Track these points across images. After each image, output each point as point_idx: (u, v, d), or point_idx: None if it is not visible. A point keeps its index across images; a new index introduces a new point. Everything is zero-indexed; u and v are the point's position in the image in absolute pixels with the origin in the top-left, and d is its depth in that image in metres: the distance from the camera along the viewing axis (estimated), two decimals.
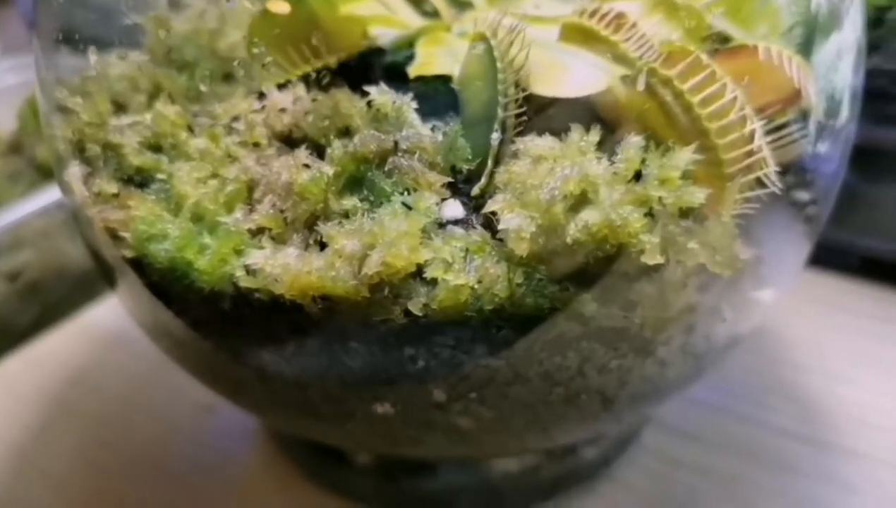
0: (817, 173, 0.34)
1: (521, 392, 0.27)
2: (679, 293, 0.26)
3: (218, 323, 0.27)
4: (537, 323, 0.25)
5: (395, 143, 0.28)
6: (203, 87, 0.34)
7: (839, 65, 0.33)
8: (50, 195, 0.49)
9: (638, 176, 0.26)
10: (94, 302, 0.52)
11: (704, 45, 0.33)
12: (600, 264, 0.26)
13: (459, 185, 0.29)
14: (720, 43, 0.34)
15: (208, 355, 0.29)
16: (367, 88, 0.29)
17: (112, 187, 0.30)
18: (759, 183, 0.30)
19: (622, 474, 0.42)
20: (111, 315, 0.53)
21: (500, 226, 0.25)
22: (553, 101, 0.30)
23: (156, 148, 0.31)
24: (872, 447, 0.42)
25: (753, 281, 0.32)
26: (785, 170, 0.34)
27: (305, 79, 0.34)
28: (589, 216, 0.24)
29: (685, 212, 0.27)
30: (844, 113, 0.34)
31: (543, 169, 0.25)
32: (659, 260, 0.25)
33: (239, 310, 0.26)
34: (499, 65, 0.28)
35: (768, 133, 0.33)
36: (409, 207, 0.25)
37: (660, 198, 0.26)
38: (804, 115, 0.33)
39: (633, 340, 0.27)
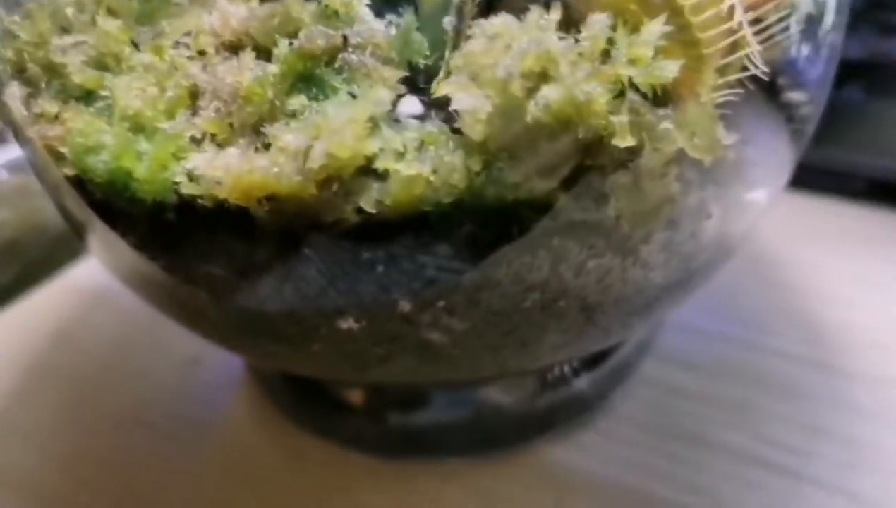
0: (803, 74, 0.32)
1: (493, 298, 0.25)
2: (657, 182, 0.24)
3: (164, 239, 0.26)
4: (501, 218, 0.23)
5: (345, 38, 0.26)
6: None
7: None
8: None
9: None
10: (75, 260, 0.51)
11: None
12: (568, 151, 0.24)
13: (421, 85, 0.27)
14: None
15: (161, 278, 0.28)
16: None
17: (54, 107, 0.28)
18: (742, 69, 0.28)
19: (621, 406, 0.40)
20: (93, 272, 0.52)
21: (451, 107, 0.23)
22: None
23: (101, 67, 0.29)
24: (881, 368, 0.40)
25: (739, 176, 0.30)
26: (770, 66, 0.32)
27: None
28: (550, 92, 0.22)
29: (661, 98, 0.25)
30: (830, 16, 0.32)
31: (499, 46, 0.23)
32: (630, 141, 0.23)
33: (184, 221, 0.25)
34: None
35: (752, 22, 0.31)
36: (355, 97, 0.24)
37: (629, 78, 0.24)
38: (790, 8, 0.31)
39: (610, 236, 0.25)
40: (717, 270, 0.31)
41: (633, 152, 0.24)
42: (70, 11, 0.32)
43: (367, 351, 0.27)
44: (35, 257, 0.48)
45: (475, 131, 0.22)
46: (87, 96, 0.29)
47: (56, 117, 0.27)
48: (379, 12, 0.30)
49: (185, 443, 0.41)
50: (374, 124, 0.23)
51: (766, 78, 0.27)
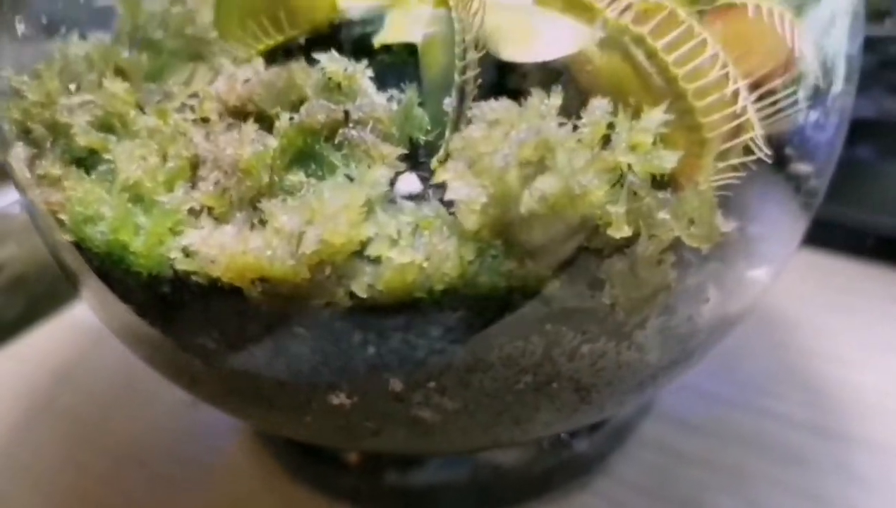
0: (811, 144, 0.32)
1: (484, 379, 0.25)
2: (653, 270, 0.24)
3: (160, 309, 0.26)
4: (494, 304, 0.23)
5: (346, 113, 0.26)
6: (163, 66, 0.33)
7: (832, 30, 0.31)
8: None
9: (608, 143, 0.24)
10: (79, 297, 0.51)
11: (693, 6, 0.31)
12: (564, 238, 0.24)
13: (421, 158, 0.27)
14: (709, 2, 0.32)
15: (158, 343, 0.28)
16: (317, 56, 0.27)
17: (57, 169, 0.28)
18: (746, 150, 0.27)
19: (620, 468, 0.39)
20: None
21: (446, 197, 0.22)
22: (527, 70, 0.28)
23: (107, 127, 0.30)
24: (885, 435, 0.40)
25: (742, 257, 0.30)
26: (776, 140, 0.31)
27: (271, 54, 0.33)
28: (545, 184, 0.22)
29: (661, 183, 0.25)
30: (839, 81, 0.32)
31: (498, 133, 0.23)
32: (626, 232, 0.23)
33: (179, 295, 0.25)
34: (456, 26, 0.26)
35: (758, 99, 0.30)
36: (352, 180, 0.23)
37: (629, 165, 0.24)
38: (797, 82, 0.31)
39: (604, 322, 0.25)
40: (716, 346, 0.30)
41: (630, 239, 0.24)
42: (79, 67, 0.32)
43: (359, 425, 0.27)
44: (40, 293, 0.48)
45: (469, 221, 0.22)
46: (91, 156, 0.29)
47: (59, 180, 0.28)
48: (382, 85, 0.30)
49: (180, 485, 0.41)
50: (369, 208, 0.23)
51: (770, 157, 0.27)
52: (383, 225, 0.23)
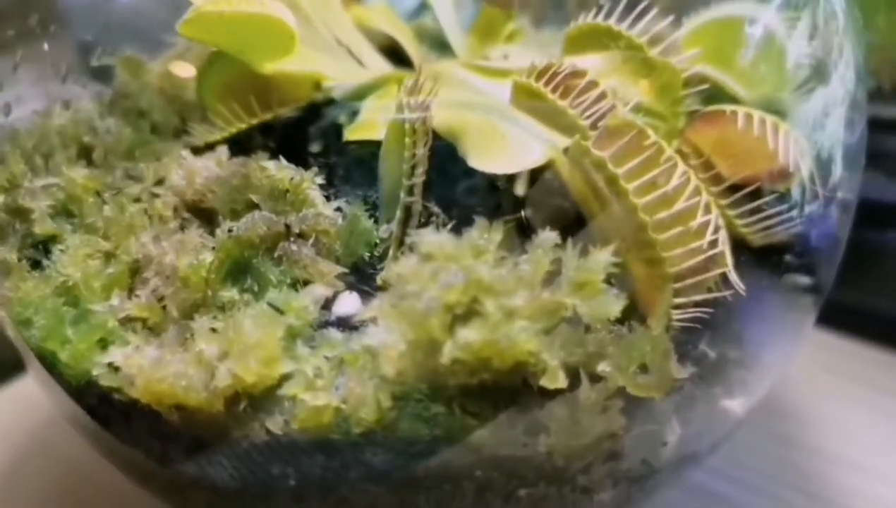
0: (809, 241, 0.30)
1: None
2: (596, 417, 0.22)
3: (90, 417, 0.25)
4: (416, 450, 0.22)
5: (287, 227, 0.25)
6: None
7: (825, 122, 0.29)
8: None
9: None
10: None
11: (678, 106, 0.29)
12: (496, 383, 0.22)
13: (370, 270, 0.26)
14: (700, 103, 0.30)
15: (95, 444, 0.27)
16: (263, 164, 0.26)
17: (14, 256, 0.28)
18: (725, 279, 0.25)
19: None
20: None
21: (364, 341, 0.21)
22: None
23: (67, 212, 0.29)
24: None
25: (718, 387, 0.28)
26: (768, 251, 0.29)
27: (248, 133, 0.32)
28: (468, 334, 0.20)
29: (620, 318, 0.23)
30: (837, 172, 0.29)
31: (428, 270, 0.21)
32: (560, 384, 0.21)
33: (105, 408, 0.24)
34: (406, 140, 0.25)
35: (746, 213, 0.28)
36: (277, 309, 0.22)
37: (573, 307, 0.22)
38: (789, 190, 0.28)
39: (541, 469, 0.23)
40: (684, 476, 0.28)
41: (571, 383, 0.22)
42: (54, 142, 0.32)
43: None
44: None
45: (388, 367, 0.21)
46: (52, 240, 0.29)
47: (10, 271, 0.27)
48: (348, 181, 0.29)
49: None
50: (289, 340, 0.22)
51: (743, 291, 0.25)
52: (302, 360, 0.22)
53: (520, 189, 0.25)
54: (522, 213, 0.27)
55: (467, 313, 0.21)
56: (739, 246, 0.28)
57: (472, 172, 0.26)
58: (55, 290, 0.25)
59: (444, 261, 0.22)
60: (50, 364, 0.25)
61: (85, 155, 0.32)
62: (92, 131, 0.32)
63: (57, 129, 0.33)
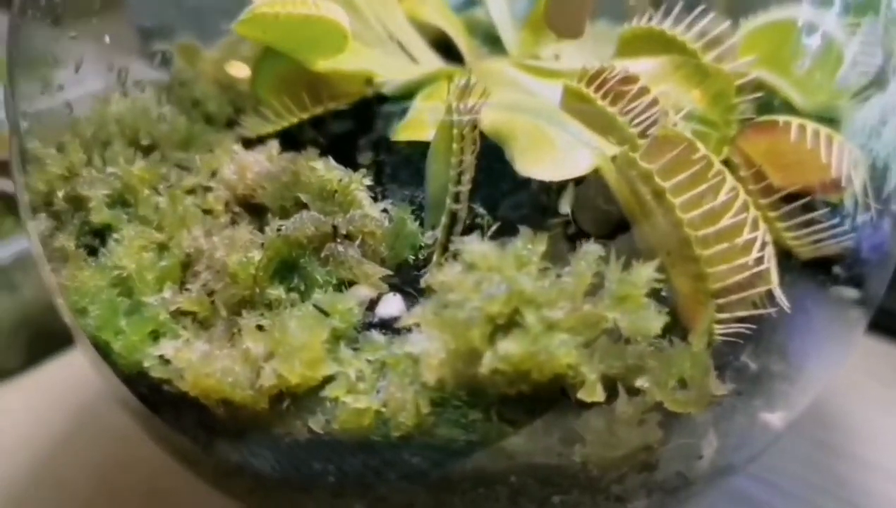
0: (859, 257, 0.29)
1: None
2: (633, 430, 0.23)
3: (141, 404, 0.26)
4: (452, 454, 0.22)
5: (335, 228, 0.25)
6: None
7: (882, 130, 0.28)
8: None
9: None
10: None
11: (731, 114, 0.29)
12: (535, 392, 0.22)
13: (415, 273, 0.26)
14: (756, 111, 0.29)
15: (144, 428, 0.28)
16: (312, 163, 0.26)
17: (72, 244, 0.29)
18: (770, 296, 0.25)
19: None
20: None
21: (406, 349, 0.22)
22: None
23: (124, 201, 0.30)
24: None
25: (759, 400, 0.27)
26: (818, 263, 0.29)
27: (299, 127, 0.33)
28: (509, 346, 0.21)
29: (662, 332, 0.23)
30: (893, 181, 0.29)
31: (470, 281, 0.22)
32: (598, 397, 0.21)
33: (155, 397, 0.25)
34: (454, 146, 0.25)
35: (799, 226, 0.28)
36: (322, 311, 0.23)
37: (614, 320, 0.22)
38: (842, 202, 0.28)
39: (575, 478, 0.23)
40: (720, 486, 0.28)
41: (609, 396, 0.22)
42: (112, 130, 0.33)
43: None
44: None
45: (428, 374, 0.21)
46: (109, 229, 0.29)
47: (68, 259, 0.28)
48: (395, 180, 0.29)
49: None
50: (332, 342, 0.23)
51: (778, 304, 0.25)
52: (345, 362, 0.22)
53: (565, 207, 0.25)
54: (570, 217, 0.27)
55: (509, 324, 0.22)
56: (787, 257, 0.28)
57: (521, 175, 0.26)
58: (110, 281, 0.26)
59: (487, 271, 0.22)
60: (104, 352, 0.26)
61: (141, 143, 0.33)
62: (148, 120, 0.33)
63: (115, 117, 0.33)
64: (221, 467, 0.26)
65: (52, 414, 0.47)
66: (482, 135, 0.27)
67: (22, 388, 0.50)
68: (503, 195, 0.28)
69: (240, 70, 0.32)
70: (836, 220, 0.28)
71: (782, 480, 0.41)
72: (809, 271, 0.29)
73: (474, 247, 0.22)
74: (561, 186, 0.27)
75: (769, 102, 0.31)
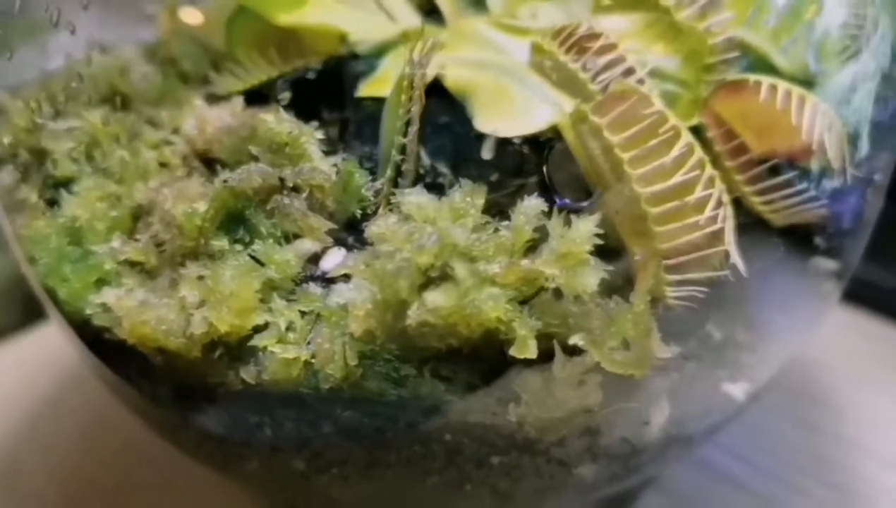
0: (832, 225, 0.28)
1: (387, 475, 0.24)
2: (571, 391, 0.22)
3: (88, 350, 0.26)
4: (384, 409, 0.22)
5: (282, 180, 0.25)
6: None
7: (853, 97, 0.27)
8: None
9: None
10: None
11: (705, 74, 0.28)
12: (474, 349, 0.22)
13: (363, 228, 0.26)
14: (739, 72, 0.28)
15: (99, 379, 0.28)
16: (263, 116, 0.26)
17: (34, 196, 0.29)
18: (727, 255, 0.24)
19: None
20: None
21: (332, 298, 0.21)
22: None
23: (89, 155, 0.30)
24: None
25: (721, 368, 0.27)
26: (788, 230, 0.28)
27: (271, 85, 0.32)
28: (436, 298, 0.20)
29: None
30: (864, 148, 0.27)
31: (403, 231, 0.21)
32: (530, 354, 0.21)
33: (100, 346, 0.25)
34: (402, 97, 0.24)
35: (768, 190, 0.27)
36: (258, 261, 0.23)
37: (551, 277, 0.21)
38: (813, 167, 0.27)
39: (512, 438, 0.23)
40: (679, 459, 0.28)
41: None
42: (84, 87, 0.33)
43: (276, 493, 0.27)
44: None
45: (354, 325, 0.21)
46: (72, 182, 0.29)
47: (30, 209, 0.28)
48: (360, 137, 0.29)
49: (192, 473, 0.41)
50: (266, 293, 0.22)
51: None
52: (277, 313, 0.22)
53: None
54: (545, 175, 0.26)
55: (441, 277, 0.21)
56: (758, 224, 0.27)
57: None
58: (61, 229, 0.26)
59: (422, 222, 0.21)
60: (53, 299, 0.26)
61: (113, 100, 0.33)
62: (124, 77, 0.33)
63: (87, 74, 0.33)
64: (168, 419, 0.26)
65: (42, 374, 0.48)
66: (446, 92, 0.26)
67: (15, 347, 0.50)
68: (476, 152, 0.28)
69: (192, 16, 0.31)
70: (806, 186, 0.27)
71: (763, 458, 0.40)
72: (781, 239, 0.28)
73: (410, 198, 0.22)
74: (536, 147, 0.26)
75: (756, 63, 0.30)
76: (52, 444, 0.44)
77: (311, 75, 0.32)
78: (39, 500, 0.40)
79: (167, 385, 0.24)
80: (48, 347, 0.50)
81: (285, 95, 0.30)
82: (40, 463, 0.43)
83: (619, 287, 0.23)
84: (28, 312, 0.51)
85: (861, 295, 0.36)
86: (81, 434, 0.45)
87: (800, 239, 0.28)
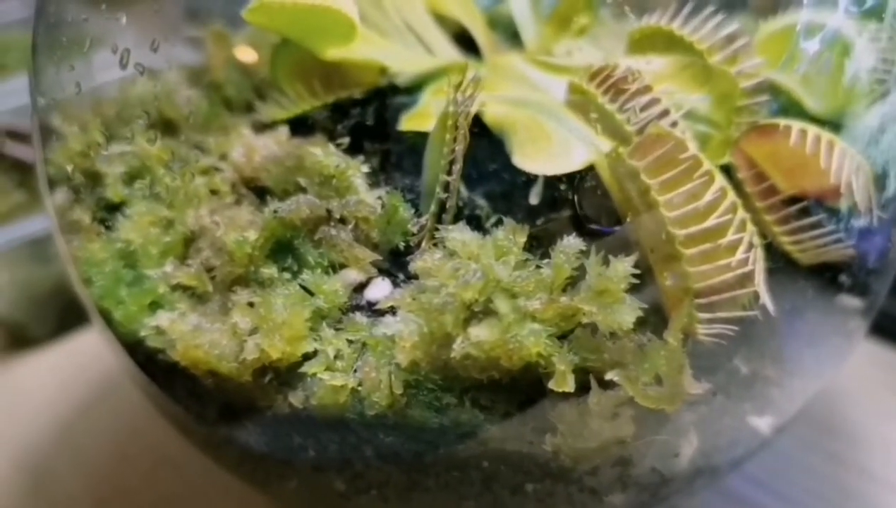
0: (859, 264, 0.29)
1: (425, 499, 0.25)
2: (605, 423, 0.23)
3: (140, 372, 0.27)
4: (424, 437, 0.23)
5: (329, 211, 0.26)
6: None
7: (881, 138, 0.28)
8: None
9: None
10: None
11: (735, 116, 0.29)
12: (513, 380, 0.23)
13: (406, 260, 0.27)
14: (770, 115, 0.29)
15: (145, 396, 0.29)
16: (311, 149, 0.27)
17: (87, 218, 0.30)
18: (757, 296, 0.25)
19: None
20: None
21: (381, 329, 0.22)
22: None
23: (140, 179, 0.31)
24: None
25: (746, 402, 0.27)
26: (816, 269, 0.28)
27: (315, 114, 0.33)
28: (480, 332, 0.21)
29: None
30: (892, 187, 0.28)
31: (449, 267, 0.22)
32: (568, 388, 0.22)
33: (152, 366, 0.26)
34: (446, 136, 0.25)
35: (797, 230, 0.28)
36: (307, 290, 0.24)
37: (588, 313, 0.22)
38: (841, 208, 0.28)
39: (547, 467, 0.24)
40: (705, 489, 0.28)
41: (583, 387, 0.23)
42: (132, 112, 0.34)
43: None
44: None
45: (401, 356, 0.22)
46: (124, 205, 0.31)
47: (82, 231, 0.30)
48: (400, 169, 0.30)
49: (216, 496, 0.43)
50: (315, 321, 0.23)
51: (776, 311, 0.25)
52: (325, 341, 0.23)
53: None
54: (576, 204, 0.27)
55: (485, 312, 0.22)
56: (787, 263, 0.28)
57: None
58: (116, 253, 0.27)
59: (466, 259, 0.23)
60: (106, 320, 0.27)
61: (162, 125, 0.34)
62: (170, 102, 0.34)
63: (138, 99, 0.35)
64: (212, 437, 0.27)
65: (75, 382, 0.49)
66: (485, 128, 0.27)
67: (51, 356, 0.52)
68: (513, 186, 0.29)
69: (247, 54, 0.32)
70: (834, 226, 0.27)
71: (787, 488, 0.40)
72: (809, 277, 0.29)
73: (456, 235, 0.23)
74: (571, 181, 0.27)
75: (786, 106, 0.31)
76: (80, 446, 0.45)
77: (355, 112, 0.33)
78: (73, 506, 0.42)
79: (214, 405, 0.25)
80: (81, 356, 0.52)
81: (344, 141, 0.31)
82: (73, 470, 0.44)
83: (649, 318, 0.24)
84: (62, 322, 0.52)
85: (887, 328, 0.36)
86: (114, 442, 0.46)
87: (827, 277, 0.29)
